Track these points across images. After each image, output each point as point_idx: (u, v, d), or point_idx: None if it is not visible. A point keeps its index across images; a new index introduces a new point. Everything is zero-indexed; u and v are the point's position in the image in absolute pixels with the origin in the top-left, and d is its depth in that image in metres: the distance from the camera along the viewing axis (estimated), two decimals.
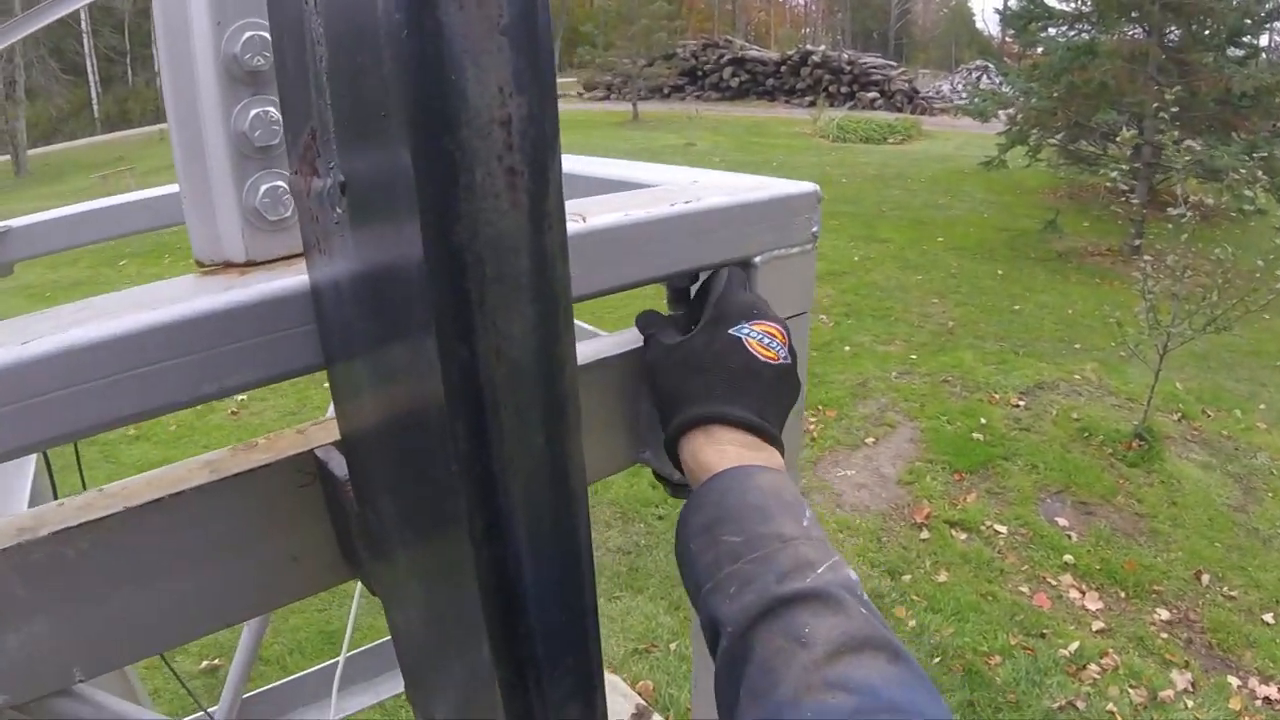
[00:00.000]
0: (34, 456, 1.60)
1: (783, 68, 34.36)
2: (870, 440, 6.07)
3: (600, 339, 0.99)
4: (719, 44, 37.05)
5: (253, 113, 0.75)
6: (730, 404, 0.81)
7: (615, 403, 0.96)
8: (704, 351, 0.84)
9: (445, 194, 0.39)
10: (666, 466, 0.99)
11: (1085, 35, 13.12)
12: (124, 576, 0.76)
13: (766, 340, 0.85)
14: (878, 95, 30.54)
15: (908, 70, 37.25)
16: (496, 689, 0.54)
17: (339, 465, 0.76)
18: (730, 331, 0.85)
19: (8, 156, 24.40)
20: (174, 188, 1.77)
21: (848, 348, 7.77)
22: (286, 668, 4.03)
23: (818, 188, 1.04)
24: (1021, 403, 6.53)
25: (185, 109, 0.77)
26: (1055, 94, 12.64)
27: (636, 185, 1.16)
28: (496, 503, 0.46)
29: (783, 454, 0.82)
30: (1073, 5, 13.44)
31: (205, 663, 4.24)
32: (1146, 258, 6.16)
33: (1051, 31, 13.69)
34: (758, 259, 0.98)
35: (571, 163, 1.42)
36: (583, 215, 0.82)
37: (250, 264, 0.79)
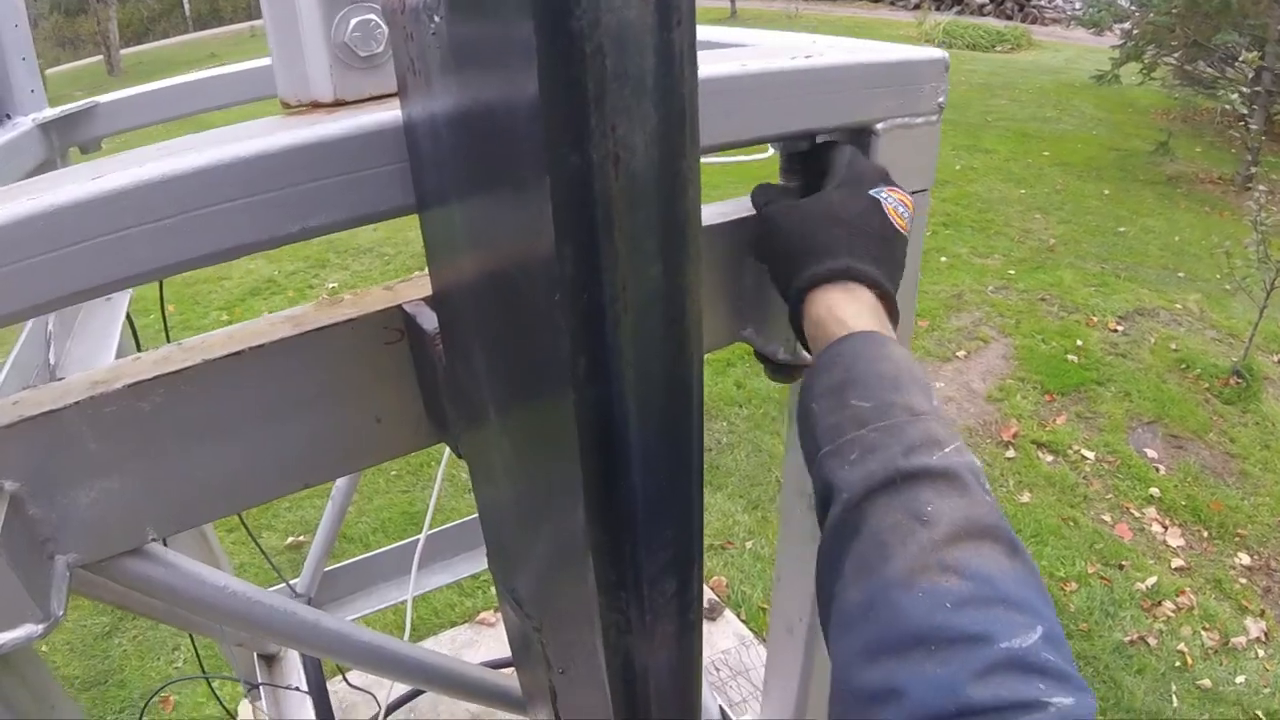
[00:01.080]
0: (121, 320, 1.61)
1: None
2: (962, 354, 5.90)
3: (704, 207, 0.93)
4: None
5: None
6: (872, 264, 0.76)
7: (717, 275, 0.92)
8: (842, 206, 0.79)
9: None
10: (769, 343, 0.93)
11: None
12: (200, 432, 0.74)
13: (900, 209, 0.80)
14: (987, 1, 29.28)
15: None
16: (588, 555, 0.50)
17: (428, 320, 0.72)
18: (870, 192, 0.80)
19: (101, 57, 24.86)
20: (256, 63, 1.76)
21: (944, 258, 7.54)
22: (369, 546, 4.13)
23: (946, 55, 0.96)
24: (1120, 328, 6.28)
25: None
26: (1174, 9, 11.89)
27: (748, 44, 1.09)
28: (603, 337, 0.41)
29: (896, 326, 0.78)
30: None
31: (290, 539, 4.37)
32: (1261, 188, 5.80)
33: None
34: (880, 125, 0.90)
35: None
36: None
37: (339, 103, 0.74)
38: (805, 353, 0.92)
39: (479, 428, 0.66)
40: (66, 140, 1.69)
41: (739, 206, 0.91)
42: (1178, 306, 6.66)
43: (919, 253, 1.00)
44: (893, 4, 30.88)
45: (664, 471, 0.47)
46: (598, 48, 0.35)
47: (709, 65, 0.77)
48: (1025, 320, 6.36)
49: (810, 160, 0.90)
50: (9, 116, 1.59)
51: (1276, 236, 5.50)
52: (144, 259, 0.63)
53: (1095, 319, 6.39)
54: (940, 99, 0.95)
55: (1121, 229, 8.59)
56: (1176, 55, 12.52)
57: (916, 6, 27.70)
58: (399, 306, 0.76)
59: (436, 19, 0.48)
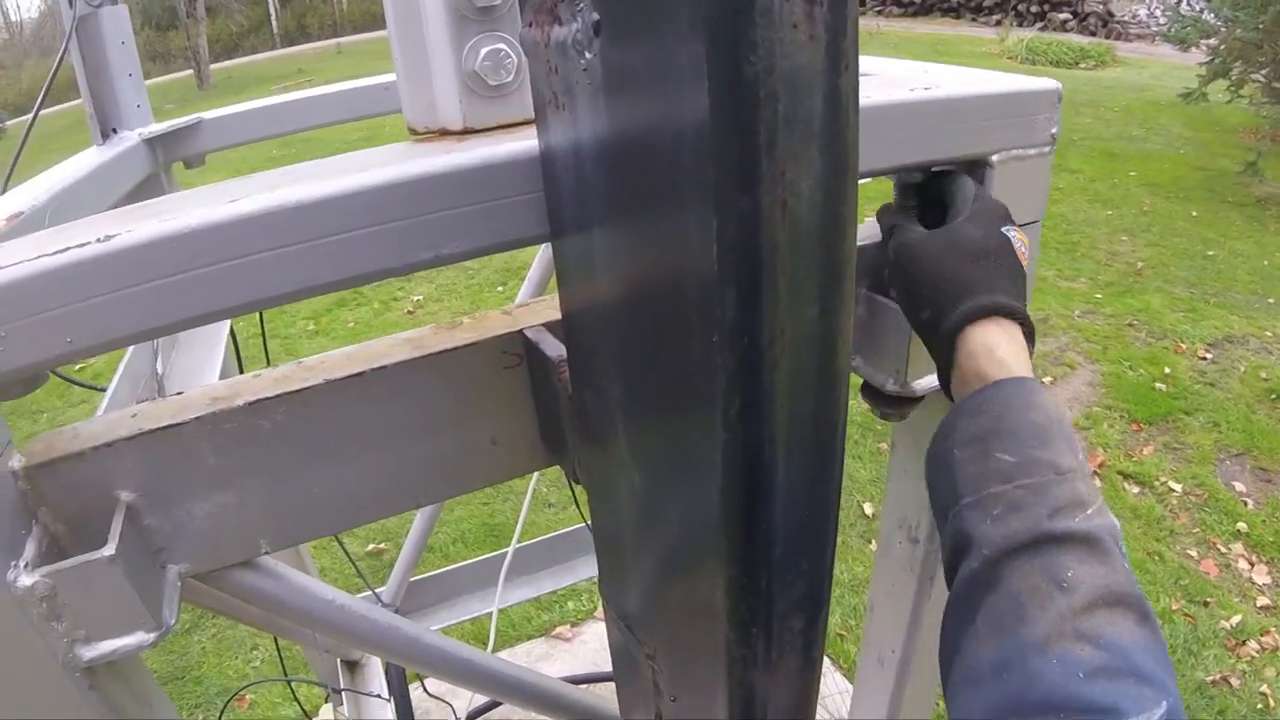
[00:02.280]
0: (225, 339, 1.66)
1: None
2: (1048, 380, 5.79)
3: None
4: None
5: None
6: (1020, 301, 0.76)
7: None
8: (985, 242, 0.79)
9: (738, 17, 0.34)
10: (880, 375, 0.93)
11: None
12: (318, 450, 0.76)
13: (1023, 248, 0.80)
14: (1070, 16, 28.72)
15: None
16: (721, 590, 0.50)
17: (551, 346, 0.73)
18: (1002, 230, 0.80)
19: (191, 71, 25.66)
20: (351, 84, 1.80)
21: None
22: (449, 556, 4.17)
23: (1059, 85, 0.95)
24: (1208, 355, 6.11)
25: None
26: (1261, 24, 11.58)
27: (864, 74, 1.09)
28: (760, 381, 0.42)
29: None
30: None
31: (371, 545, 4.43)
32: None
33: None
34: (995, 158, 0.90)
35: None
36: None
37: (468, 131, 0.76)
38: (914, 385, 0.91)
39: (604, 454, 0.67)
40: (171, 155, 1.75)
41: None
42: (1268, 334, 6.46)
43: (1032, 284, 0.99)
44: (974, 20, 30.54)
45: (805, 510, 0.47)
46: (771, 93, 0.35)
47: None
48: (1112, 346, 6.22)
49: (927, 190, 0.90)
50: (115, 131, 1.65)
51: None
52: (276, 283, 0.65)
53: (1184, 345, 6.22)
54: (1054, 130, 0.95)
55: (1210, 252, 8.37)
56: (1264, 72, 12.19)
57: (999, 23, 27.35)
58: (520, 332, 0.77)
59: (589, 55, 0.49)
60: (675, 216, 0.42)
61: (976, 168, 0.90)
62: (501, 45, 0.73)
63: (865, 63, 1.13)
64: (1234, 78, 12.58)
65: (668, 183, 0.42)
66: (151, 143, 1.67)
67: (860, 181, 0.89)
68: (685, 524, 0.53)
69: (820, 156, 0.37)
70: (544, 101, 0.59)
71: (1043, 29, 27.03)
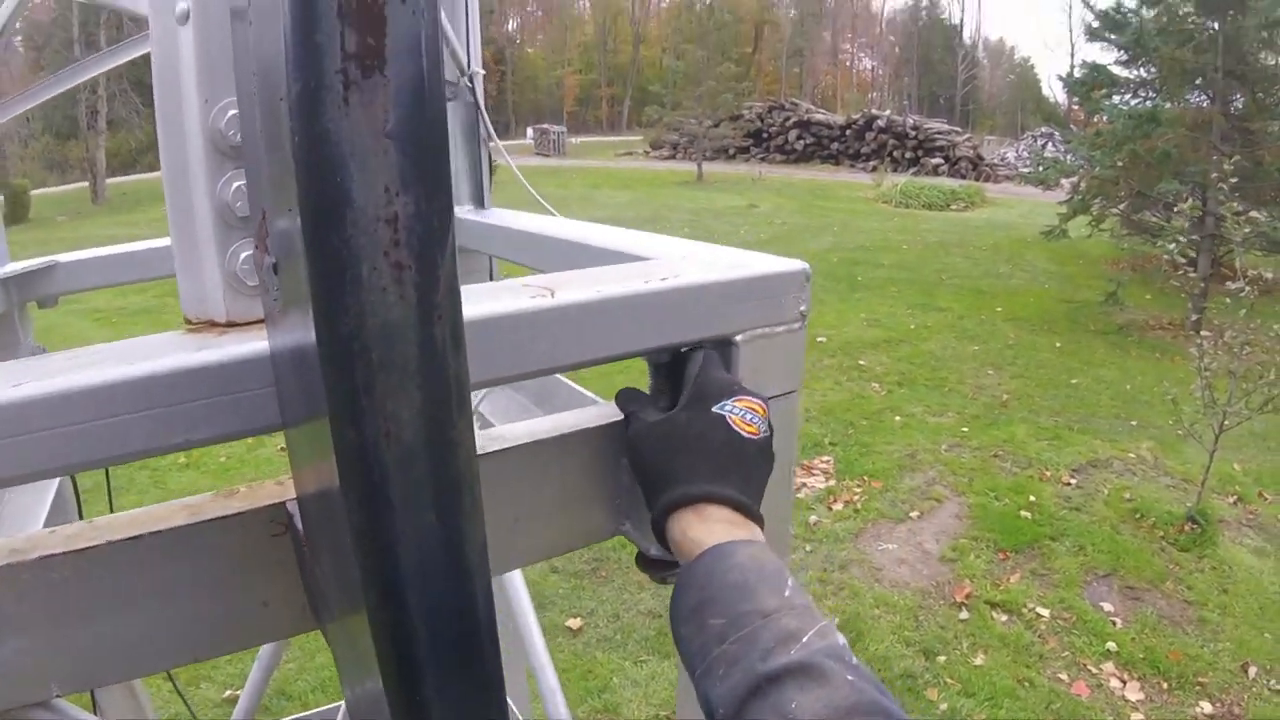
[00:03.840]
0: (54, 484, 1.67)
1: (848, 131, 34.54)
2: (915, 514, 5.96)
3: (584, 410, 1.00)
4: (785, 106, 37.36)
5: (235, 185, 0.80)
6: (716, 482, 0.82)
7: (597, 473, 0.98)
8: (688, 429, 0.85)
9: (333, 287, 0.42)
10: (644, 540, 0.99)
11: (1149, 103, 13.01)
12: (104, 604, 0.80)
13: (749, 416, 0.86)
14: (942, 161, 30.52)
15: (973, 136, 37.19)
16: None
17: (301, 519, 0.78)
18: (714, 410, 0.86)
19: (88, 183, 25.34)
20: None
21: (898, 418, 7.69)
22: (307, 704, 4.05)
23: (807, 266, 1.04)
24: (1073, 481, 6.39)
25: (178, 178, 0.82)
26: (1118, 162, 12.50)
27: (634, 257, 1.18)
28: (388, 574, 0.48)
29: (763, 526, 0.83)
30: (1137, 73, 13.37)
31: (229, 691, 4.28)
32: (1205, 334, 6.00)
33: (1115, 99, 13.59)
34: (739, 337, 0.98)
35: (575, 229, 1.45)
36: (552, 290, 0.85)
37: (231, 324, 0.82)
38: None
39: (333, 624, 0.72)
40: (26, 294, 1.78)
41: (616, 409, 0.98)
42: (1131, 455, 6.79)
43: (794, 450, 1.07)
44: (853, 166, 32.10)
45: (456, 683, 0.53)
46: (365, 345, 0.43)
47: (566, 291, 0.85)
48: (979, 478, 6.45)
49: (674, 368, 0.97)
50: None
51: (1221, 379, 5.65)
52: (48, 458, 0.70)
53: (1049, 473, 6.49)
54: (802, 307, 1.03)
55: (1074, 380, 8.81)
56: (1122, 206, 13.06)
57: (874, 169, 28.79)
58: (284, 503, 0.82)
59: (274, 290, 0.57)
60: (324, 435, 0.49)
61: (722, 345, 0.98)
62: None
63: (641, 241, 1.24)
64: (1094, 212, 13.48)
65: (317, 409, 0.49)
66: (6, 282, 1.70)
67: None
68: (379, 699, 0.58)
69: (419, 392, 0.45)
70: (267, 313, 0.67)
71: (916, 173, 28.57)
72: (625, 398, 0.95)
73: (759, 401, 0.88)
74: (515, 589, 1.76)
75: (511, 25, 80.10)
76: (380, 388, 0.44)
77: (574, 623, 4.79)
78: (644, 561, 0.99)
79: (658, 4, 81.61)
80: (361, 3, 0.38)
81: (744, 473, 0.85)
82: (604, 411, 0.98)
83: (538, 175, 30.17)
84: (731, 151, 34.61)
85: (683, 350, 0.97)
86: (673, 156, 35.48)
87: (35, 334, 1.90)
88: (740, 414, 0.86)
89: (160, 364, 0.72)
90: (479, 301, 0.80)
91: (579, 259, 1.34)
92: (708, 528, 0.79)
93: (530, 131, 48.17)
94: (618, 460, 0.97)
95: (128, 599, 0.80)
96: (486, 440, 0.90)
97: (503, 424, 1.58)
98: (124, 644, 0.81)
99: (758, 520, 0.83)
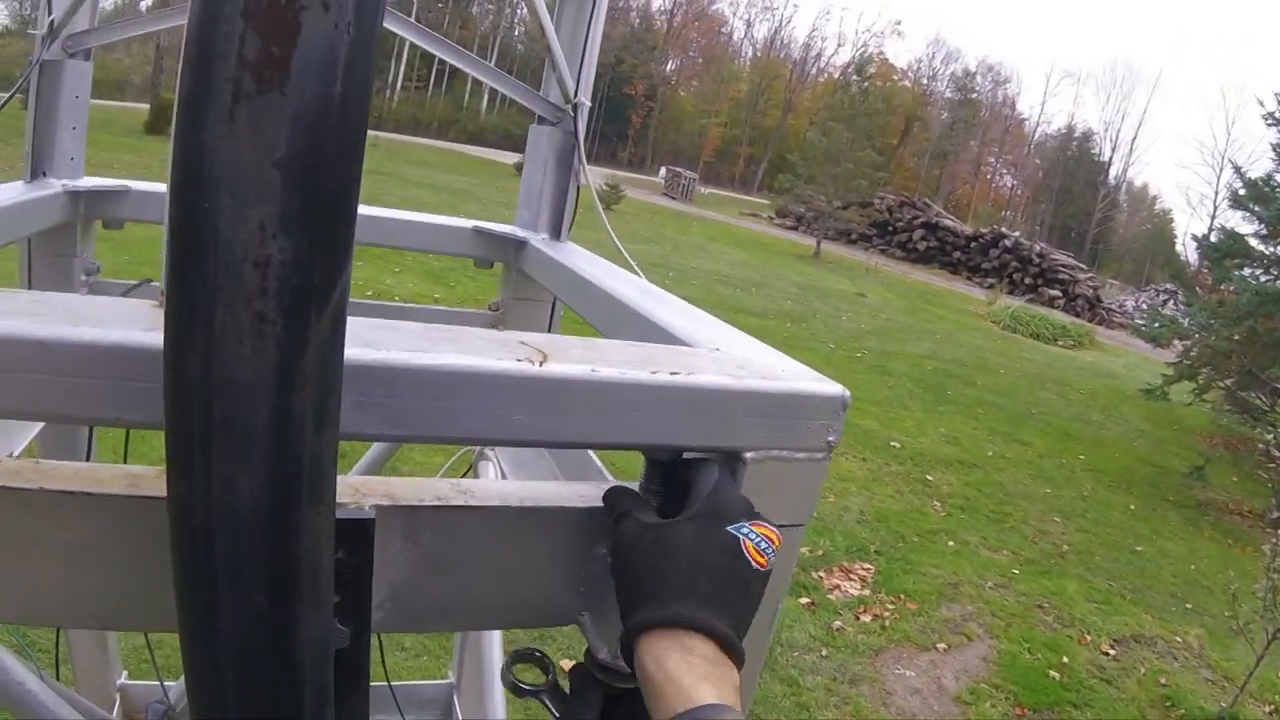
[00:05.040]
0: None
1: (973, 243, 34.19)
2: (942, 646, 5.72)
3: (565, 485, 0.92)
4: (916, 205, 37.18)
5: None
6: (710, 609, 0.73)
7: (562, 554, 0.89)
8: (695, 543, 0.77)
9: (183, 324, 0.36)
10: (598, 638, 0.91)
11: (1279, 283, 12.56)
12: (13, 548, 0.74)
13: (763, 545, 0.78)
14: (1060, 294, 29.95)
15: (1096, 276, 36.45)
16: None
17: None
18: (729, 529, 0.77)
19: None
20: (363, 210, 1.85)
21: (952, 543, 7.43)
22: None
23: (846, 393, 0.94)
24: (1112, 651, 6.09)
25: None
26: (1235, 336, 12.10)
27: (673, 337, 1.11)
28: (206, 647, 0.42)
29: (741, 668, 0.73)
30: (1273, 250, 12.93)
31: None
32: None
33: (1246, 272, 13.14)
34: (749, 455, 0.88)
35: (631, 289, 1.38)
36: (544, 355, 0.78)
37: None
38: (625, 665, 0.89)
39: None
40: (93, 212, 1.81)
41: (598, 491, 0.89)
42: (1178, 639, 6.46)
43: (782, 591, 0.97)
44: (969, 279, 31.69)
45: None
46: (207, 397, 0.36)
47: (557, 362, 0.78)
48: (1016, 624, 6.18)
49: (675, 472, 0.89)
50: (45, 174, 1.70)
51: None
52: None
53: (1089, 637, 6.20)
54: (831, 437, 0.93)
55: (1139, 547, 8.45)
56: (1230, 380, 12.62)
57: (991, 286, 28.36)
58: None
59: None
60: None
61: (731, 460, 0.89)
62: None
63: (682, 315, 1.16)
64: (1200, 381, 13.03)
65: None
66: (75, 195, 1.72)
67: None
68: None
69: (264, 465, 0.38)
70: None
71: (1031, 300, 28.04)
72: (615, 499, 0.86)
73: (775, 531, 0.80)
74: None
75: (670, 65, 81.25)
76: (218, 449, 0.37)
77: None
78: (589, 663, 0.91)
79: (815, 78, 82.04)
80: (273, 2, 0.32)
81: (741, 606, 0.76)
82: (584, 491, 0.90)
83: (661, 215, 30.52)
84: (854, 236, 34.49)
85: (686, 456, 0.88)
86: (795, 228, 35.45)
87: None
88: (755, 540, 0.78)
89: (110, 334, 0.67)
90: (457, 346, 0.74)
91: (621, 321, 1.28)
92: (687, 665, 0.69)
93: (663, 171, 48.72)
94: (590, 548, 0.89)
95: (44, 548, 0.75)
96: (453, 493, 0.84)
97: (512, 479, 1.52)
98: (29, 590, 0.76)
99: (739, 662, 0.73)
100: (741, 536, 0.77)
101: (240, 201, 0.34)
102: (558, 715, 0.90)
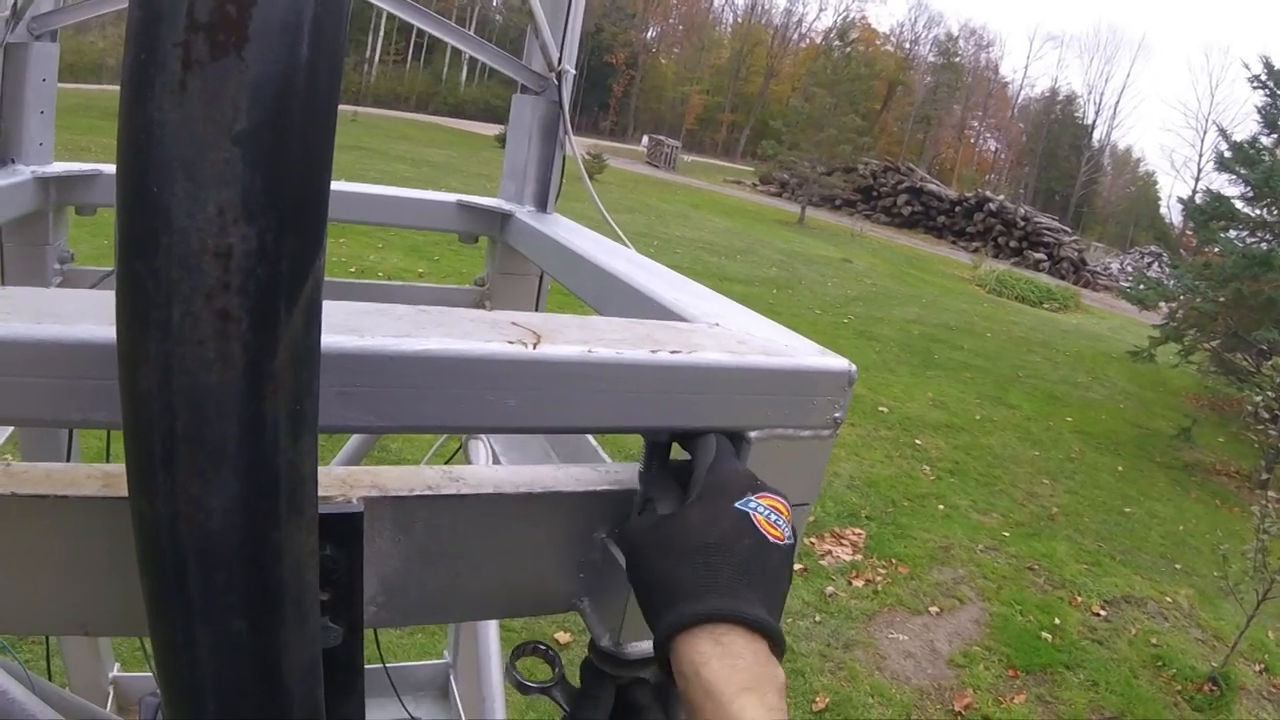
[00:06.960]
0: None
1: (958, 207, 34.16)
2: (934, 609, 5.74)
3: (560, 469, 0.89)
4: (900, 170, 37.09)
5: None
6: (741, 598, 0.67)
7: (560, 540, 0.85)
8: (706, 529, 0.71)
9: (136, 326, 0.32)
10: (600, 625, 0.88)
11: (1265, 245, 12.58)
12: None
13: (773, 517, 0.72)
14: (1045, 257, 29.97)
15: (1081, 239, 36.47)
16: None
17: None
18: (736, 505, 0.72)
19: None
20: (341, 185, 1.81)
21: (942, 506, 7.45)
22: None
23: (852, 367, 0.89)
24: (1103, 612, 6.12)
25: None
26: (1220, 298, 12.14)
27: (670, 313, 1.07)
28: (184, 679, 0.38)
29: (783, 656, 0.68)
30: (1259, 212, 12.94)
31: None
32: (1271, 494, 5.70)
33: (1232, 234, 13.17)
34: (753, 434, 0.84)
35: (623, 262, 1.34)
36: (537, 336, 0.73)
37: None
38: (628, 649, 0.86)
39: None
40: (64, 198, 1.75)
41: (603, 475, 0.86)
42: (1168, 599, 6.49)
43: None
44: (954, 243, 31.69)
45: None
46: (167, 408, 0.32)
47: (552, 343, 0.74)
48: (1008, 587, 6.21)
49: (667, 452, 0.85)
50: (13, 161, 1.65)
51: (1277, 544, 5.37)
52: None
53: (1080, 599, 6.23)
54: (837, 413, 0.88)
55: (1127, 509, 8.49)
56: (1215, 343, 12.68)
57: (976, 250, 28.38)
58: None
59: None
60: None
61: (731, 439, 0.84)
62: None
63: (677, 288, 1.12)
64: (1186, 343, 13.09)
65: None
66: (45, 181, 1.67)
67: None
68: None
69: (236, 480, 0.34)
70: None
71: (1016, 264, 28.08)
72: (643, 480, 0.83)
73: (782, 500, 0.74)
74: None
75: (650, 33, 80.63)
76: (182, 465, 0.33)
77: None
78: (592, 651, 0.88)
79: (797, 44, 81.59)
80: None
81: (768, 584, 0.70)
82: (583, 475, 0.87)
83: (644, 184, 30.35)
84: (838, 202, 34.40)
85: (684, 434, 0.84)
86: (779, 194, 35.31)
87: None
88: (765, 513, 0.72)
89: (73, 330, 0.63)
90: (445, 330, 0.70)
91: (614, 295, 1.23)
92: (727, 672, 0.64)
93: (645, 140, 48.48)
94: (588, 533, 0.86)
95: (19, 555, 0.71)
96: (444, 480, 0.80)
97: (505, 463, 1.48)
98: (9, 598, 0.73)
99: (778, 647, 0.67)
100: (750, 511, 0.72)
101: (196, 184, 0.29)
102: (568, 711, 0.87)
